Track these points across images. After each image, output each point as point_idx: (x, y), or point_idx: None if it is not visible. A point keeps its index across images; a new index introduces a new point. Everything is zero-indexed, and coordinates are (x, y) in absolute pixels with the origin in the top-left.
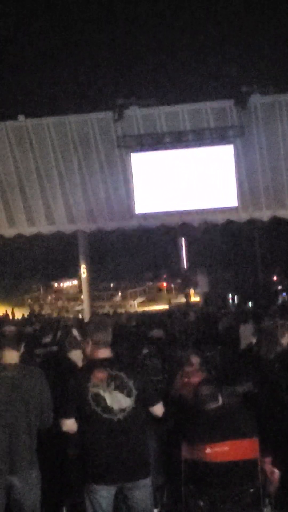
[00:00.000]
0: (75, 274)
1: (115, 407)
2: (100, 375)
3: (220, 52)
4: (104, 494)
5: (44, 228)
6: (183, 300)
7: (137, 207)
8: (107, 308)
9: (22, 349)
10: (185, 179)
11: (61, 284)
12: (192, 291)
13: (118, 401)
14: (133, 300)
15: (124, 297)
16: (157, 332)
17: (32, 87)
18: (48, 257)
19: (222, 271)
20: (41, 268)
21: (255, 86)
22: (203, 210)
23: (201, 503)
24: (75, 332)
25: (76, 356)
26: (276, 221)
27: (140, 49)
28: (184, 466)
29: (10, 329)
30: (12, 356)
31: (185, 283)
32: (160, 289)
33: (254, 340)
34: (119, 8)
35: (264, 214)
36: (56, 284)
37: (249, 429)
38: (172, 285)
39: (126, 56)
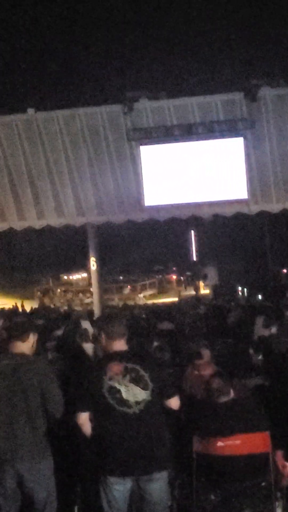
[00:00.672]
0: (84, 267)
1: (131, 400)
2: (115, 368)
3: (230, 45)
4: (119, 487)
5: (54, 220)
6: (192, 292)
7: (147, 200)
8: (116, 301)
9: (32, 340)
10: (195, 172)
11: (70, 277)
12: (201, 283)
13: (134, 394)
14: (141, 293)
15: (133, 290)
16: (167, 325)
17: (42, 80)
18: (57, 250)
19: (231, 263)
20: (51, 260)
21: (265, 78)
22: (213, 202)
23: (213, 497)
24: (84, 324)
25: (87, 349)
26: (286, 214)
27: (150, 42)
28: (195, 459)
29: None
30: (17, 346)
31: (194, 275)
32: (169, 282)
33: (265, 333)
34: (130, 2)
35: (274, 206)
36: (65, 277)
37: (260, 423)
38: (182, 278)
39: (136, 49)
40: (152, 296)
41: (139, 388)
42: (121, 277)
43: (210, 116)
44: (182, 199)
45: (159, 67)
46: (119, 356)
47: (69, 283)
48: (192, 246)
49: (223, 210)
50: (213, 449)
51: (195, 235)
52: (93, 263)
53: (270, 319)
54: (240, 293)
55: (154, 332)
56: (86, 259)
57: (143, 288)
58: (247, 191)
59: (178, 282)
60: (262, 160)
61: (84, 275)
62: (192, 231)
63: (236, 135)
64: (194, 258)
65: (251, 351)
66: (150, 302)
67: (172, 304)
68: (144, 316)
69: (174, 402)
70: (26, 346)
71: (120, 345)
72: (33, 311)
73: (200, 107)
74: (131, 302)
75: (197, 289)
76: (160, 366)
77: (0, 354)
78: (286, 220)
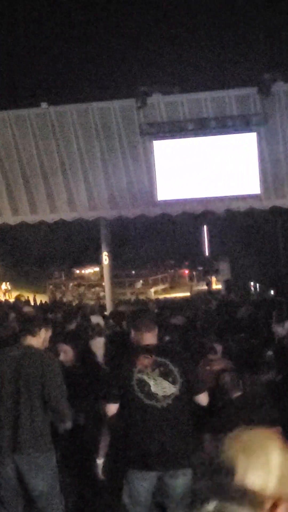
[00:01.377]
0: (97, 261)
1: (160, 393)
2: (145, 361)
3: (243, 40)
4: (144, 482)
5: (66, 214)
6: (204, 287)
7: (159, 194)
8: (128, 295)
9: (44, 335)
10: (208, 167)
11: (83, 271)
12: (214, 278)
13: (163, 388)
14: (153, 288)
15: (145, 284)
16: (178, 320)
17: (55, 74)
18: (70, 244)
19: (244, 258)
20: (63, 255)
21: (279, 73)
22: (226, 197)
23: None
24: (96, 319)
25: (99, 343)
26: None
27: (163, 36)
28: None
29: (28, 309)
30: (27, 340)
31: (206, 270)
32: (181, 277)
33: (278, 328)
34: None
35: (287, 201)
36: (77, 271)
37: (271, 418)
38: (194, 273)
39: (149, 44)
40: (164, 291)
41: (168, 382)
42: (133, 272)
43: (223, 111)
44: (195, 194)
45: (172, 62)
46: (149, 350)
47: (81, 277)
48: (204, 241)
49: (236, 205)
50: None
51: (207, 230)
52: (105, 257)
53: (282, 314)
54: (252, 288)
55: (165, 326)
56: (99, 253)
57: (155, 282)
58: (260, 186)
59: (190, 277)
60: (275, 155)
61: (96, 269)
62: (205, 226)
63: (249, 130)
64: (207, 253)
65: (270, 352)
66: (162, 296)
67: (184, 298)
68: (156, 310)
69: (203, 398)
70: (36, 340)
71: (150, 338)
72: (43, 305)
73: (213, 102)
74: (143, 297)
75: (209, 284)
76: (190, 362)
77: (9, 346)
78: None
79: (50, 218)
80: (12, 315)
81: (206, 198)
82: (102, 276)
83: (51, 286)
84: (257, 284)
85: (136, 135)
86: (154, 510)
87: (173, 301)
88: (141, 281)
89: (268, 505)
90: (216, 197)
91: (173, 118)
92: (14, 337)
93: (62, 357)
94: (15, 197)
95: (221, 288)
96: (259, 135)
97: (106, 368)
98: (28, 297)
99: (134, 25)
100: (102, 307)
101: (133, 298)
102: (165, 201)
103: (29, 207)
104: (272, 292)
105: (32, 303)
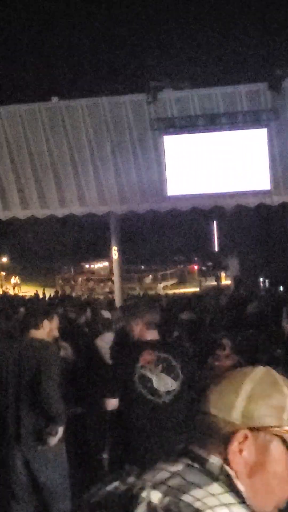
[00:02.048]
0: (106, 256)
1: (162, 389)
2: (148, 357)
3: (254, 35)
4: None
5: (76, 209)
6: (213, 283)
7: (169, 190)
8: (137, 290)
9: (48, 326)
10: (218, 162)
11: (92, 266)
12: (223, 274)
13: (165, 384)
14: (162, 283)
15: (154, 279)
16: (187, 315)
17: (66, 69)
18: (79, 239)
19: (253, 254)
20: (72, 249)
21: None
22: (235, 193)
23: None
24: (106, 314)
25: (108, 338)
26: None
27: (174, 31)
28: None
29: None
30: (32, 334)
31: (216, 266)
32: (190, 272)
33: (286, 325)
34: None
35: None
36: (86, 266)
37: None
38: (203, 268)
39: (160, 39)
40: (173, 286)
41: (170, 378)
42: (142, 267)
43: (234, 107)
44: (205, 189)
45: (183, 57)
46: (151, 345)
47: (91, 271)
48: (214, 237)
49: (245, 201)
50: None
51: (217, 226)
52: (114, 252)
53: None
54: (261, 284)
55: (174, 322)
56: (108, 248)
57: (164, 277)
58: (270, 182)
59: (199, 272)
60: (285, 151)
61: (106, 264)
62: (214, 222)
63: (260, 125)
64: (216, 249)
65: (278, 350)
66: (171, 292)
67: (193, 294)
68: (164, 305)
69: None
70: (40, 333)
71: (154, 334)
72: (51, 298)
73: (224, 97)
74: (152, 292)
75: (218, 279)
76: (191, 358)
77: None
78: None
79: (60, 212)
80: (22, 310)
81: (215, 193)
82: (111, 270)
83: (60, 281)
84: (266, 280)
85: (147, 130)
86: None
87: (182, 296)
88: (150, 276)
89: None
90: (226, 193)
91: (184, 113)
92: (21, 331)
93: (62, 353)
94: (25, 191)
95: (230, 284)
96: (269, 130)
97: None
98: (37, 291)
99: (145, 20)
100: (111, 302)
101: (141, 293)
102: (175, 196)
103: (39, 201)
104: (281, 288)
105: (41, 297)
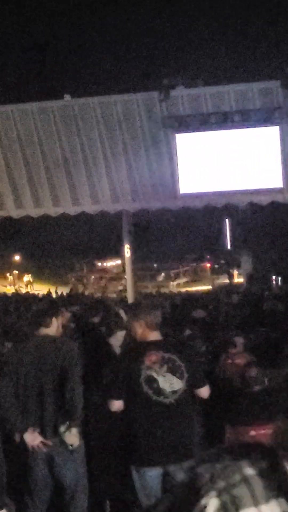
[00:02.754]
0: (119, 254)
1: (167, 389)
2: (153, 357)
3: (266, 33)
4: (151, 473)
5: (89, 207)
6: (226, 281)
7: (182, 188)
8: (150, 288)
9: (56, 323)
10: (230, 160)
11: (105, 264)
12: (235, 272)
13: (171, 384)
14: (174, 281)
15: (167, 277)
16: (200, 313)
17: (79, 67)
18: (92, 237)
19: (266, 252)
20: (85, 247)
21: None
22: (248, 191)
23: None
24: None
25: (121, 336)
26: None
27: (186, 30)
28: None
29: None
30: (42, 331)
31: (228, 264)
32: (203, 270)
33: None
34: None
35: None
36: (99, 264)
37: None
38: (216, 266)
39: (172, 37)
40: (185, 284)
41: (176, 378)
42: (155, 265)
43: (246, 104)
44: (217, 187)
45: (195, 55)
46: (156, 346)
47: (103, 270)
48: (226, 234)
49: (258, 199)
50: (245, 438)
51: (229, 223)
52: (127, 250)
53: None
54: (274, 282)
55: (187, 320)
56: (121, 246)
57: (177, 275)
58: (283, 179)
59: (212, 270)
60: None
61: (118, 262)
62: (227, 219)
63: (272, 123)
64: (228, 247)
65: None
66: (183, 289)
67: (206, 292)
68: (178, 303)
69: (204, 391)
70: (51, 330)
71: (156, 334)
72: (63, 297)
73: (236, 95)
74: (165, 290)
75: (231, 277)
76: (195, 356)
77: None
78: None
79: (72, 210)
80: (34, 308)
81: (228, 191)
82: (124, 269)
83: (73, 279)
84: (279, 278)
85: (159, 128)
86: None
87: (195, 294)
88: (163, 274)
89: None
90: (238, 191)
91: (196, 111)
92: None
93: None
94: (37, 190)
95: (243, 282)
96: (282, 128)
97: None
98: (50, 289)
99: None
100: (124, 300)
101: (154, 291)
102: (187, 194)
103: (51, 199)
104: None
105: (54, 296)
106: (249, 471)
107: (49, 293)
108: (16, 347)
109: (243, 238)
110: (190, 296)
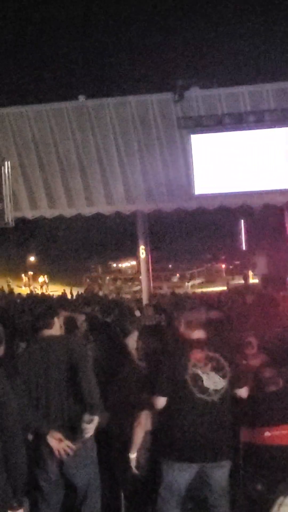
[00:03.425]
0: (133, 255)
1: (211, 388)
2: (198, 355)
3: (280, 34)
4: (185, 473)
5: (103, 208)
6: (241, 281)
7: (197, 188)
8: (165, 289)
9: (58, 323)
10: (245, 161)
11: (119, 265)
12: (250, 272)
13: (214, 382)
14: (189, 282)
15: (182, 278)
16: (214, 314)
17: (93, 67)
18: (106, 237)
19: (281, 253)
20: (100, 248)
21: None
22: (263, 192)
23: (259, 487)
24: (138, 313)
25: (136, 336)
26: None
27: (201, 31)
28: (242, 449)
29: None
30: (45, 332)
31: (243, 264)
32: (218, 271)
33: None
34: None
35: None
36: (114, 265)
37: None
38: (231, 267)
39: (187, 38)
40: (200, 285)
41: (219, 377)
42: (170, 265)
43: (261, 105)
44: (232, 188)
45: (210, 56)
46: (201, 344)
47: (118, 270)
48: (241, 235)
49: (273, 200)
50: (260, 439)
51: (244, 224)
52: (142, 251)
53: None
54: None
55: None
56: (135, 247)
57: (192, 276)
58: None
59: (227, 271)
60: None
61: (133, 263)
62: (242, 220)
63: (287, 124)
64: (243, 247)
65: None
66: (198, 290)
67: (221, 292)
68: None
69: (244, 392)
70: (54, 330)
71: (200, 333)
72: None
73: (250, 96)
74: (180, 290)
75: (246, 278)
76: (236, 355)
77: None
78: None
79: (87, 211)
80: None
81: (243, 192)
82: (138, 269)
83: (88, 280)
84: None
85: (174, 129)
86: (187, 502)
87: (210, 295)
88: (177, 274)
89: None
90: (253, 191)
91: (211, 112)
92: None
93: None
94: (52, 191)
95: (258, 282)
96: None
97: (141, 364)
98: (64, 290)
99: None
100: (139, 301)
101: (169, 291)
102: (202, 195)
103: (66, 200)
104: None
105: (69, 296)
106: None
107: (64, 294)
108: (27, 348)
109: (258, 238)
110: (205, 297)
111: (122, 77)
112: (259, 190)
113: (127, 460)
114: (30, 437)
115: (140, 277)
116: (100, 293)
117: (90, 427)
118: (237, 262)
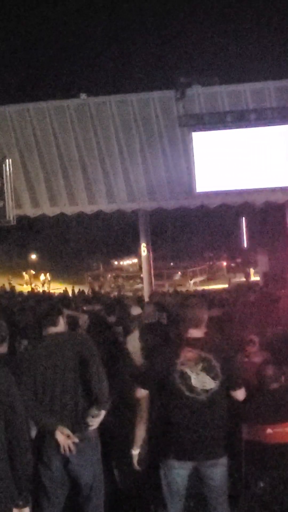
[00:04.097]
0: (135, 253)
1: (199, 387)
2: (189, 354)
3: (282, 32)
4: (181, 471)
5: (105, 206)
6: (242, 279)
7: (198, 186)
8: (166, 287)
9: (62, 321)
10: (247, 159)
11: (121, 262)
12: (252, 270)
13: (203, 383)
14: (191, 279)
15: (183, 276)
16: (216, 311)
17: (95, 65)
18: (108, 235)
19: (282, 250)
20: (101, 246)
21: None
22: (264, 189)
23: (262, 484)
24: (135, 310)
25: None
26: None
27: (203, 28)
28: (244, 447)
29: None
30: (51, 330)
31: (245, 262)
32: (219, 268)
33: None
34: None
35: None
36: (116, 262)
37: None
38: (232, 264)
39: (188, 35)
40: (202, 282)
41: (209, 378)
42: (171, 263)
43: (263, 103)
44: (234, 185)
45: (212, 53)
46: (194, 343)
47: (120, 268)
48: (243, 233)
49: (274, 197)
50: (262, 437)
51: (246, 222)
52: (143, 249)
53: None
54: None
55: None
56: (137, 244)
57: (194, 274)
58: None
59: (228, 268)
60: None
61: (135, 260)
62: (243, 218)
63: None
64: (245, 245)
65: None
66: (200, 288)
67: (222, 290)
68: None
69: (239, 394)
70: (59, 328)
71: (196, 332)
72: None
73: (253, 93)
74: (181, 288)
75: (247, 276)
76: (233, 358)
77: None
78: None
79: (89, 209)
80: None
81: (244, 190)
82: (140, 267)
83: (89, 277)
84: None
85: (175, 127)
86: (190, 501)
87: (211, 293)
88: (179, 272)
89: None
90: (255, 189)
91: (213, 110)
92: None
93: None
94: (53, 189)
95: (259, 280)
96: None
97: (145, 362)
98: (66, 288)
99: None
100: (140, 299)
101: (171, 289)
102: (203, 193)
103: (67, 198)
104: None
105: (71, 294)
106: None
107: (65, 292)
108: (32, 344)
109: (259, 236)
110: (206, 295)
111: (123, 75)
112: (260, 187)
113: (127, 456)
114: (33, 434)
115: (142, 275)
116: (102, 291)
117: (96, 421)
118: (239, 260)
